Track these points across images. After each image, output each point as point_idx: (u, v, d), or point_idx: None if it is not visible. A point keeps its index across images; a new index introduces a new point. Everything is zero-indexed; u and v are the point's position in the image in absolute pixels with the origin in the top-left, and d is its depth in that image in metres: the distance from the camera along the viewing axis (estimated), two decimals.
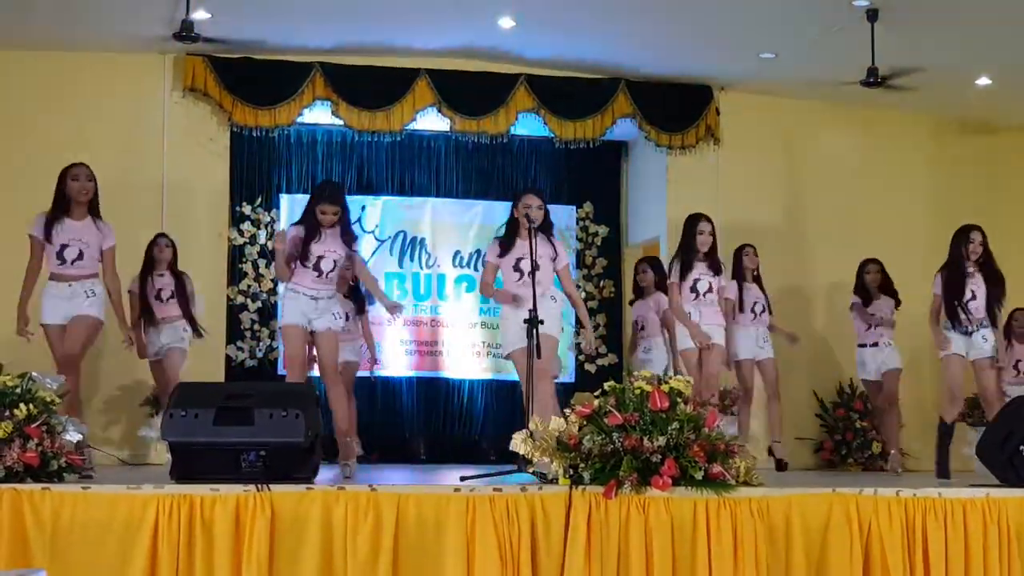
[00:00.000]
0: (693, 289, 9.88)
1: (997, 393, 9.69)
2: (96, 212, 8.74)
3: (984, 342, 9.56)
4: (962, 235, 9.76)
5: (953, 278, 9.59)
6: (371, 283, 9.47)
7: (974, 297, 9.59)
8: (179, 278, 10.63)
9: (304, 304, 8.47)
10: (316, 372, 9.37)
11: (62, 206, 8.61)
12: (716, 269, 10.00)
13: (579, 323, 8.98)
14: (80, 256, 8.62)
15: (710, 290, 9.94)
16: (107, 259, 8.78)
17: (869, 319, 11.19)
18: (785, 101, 13.32)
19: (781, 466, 10.84)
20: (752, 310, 10.99)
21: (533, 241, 8.23)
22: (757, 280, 11.13)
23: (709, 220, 10.06)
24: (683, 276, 9.89)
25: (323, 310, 8.50)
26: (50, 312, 8.64)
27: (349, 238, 8.61)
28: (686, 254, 9.93)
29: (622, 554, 6.29)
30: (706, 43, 11.98)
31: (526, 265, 8.31)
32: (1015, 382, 11.78)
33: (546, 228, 8.51)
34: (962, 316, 9.54)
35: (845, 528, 6.60)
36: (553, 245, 8.56)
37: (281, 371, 12.43)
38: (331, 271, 8.52)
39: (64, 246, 8.59)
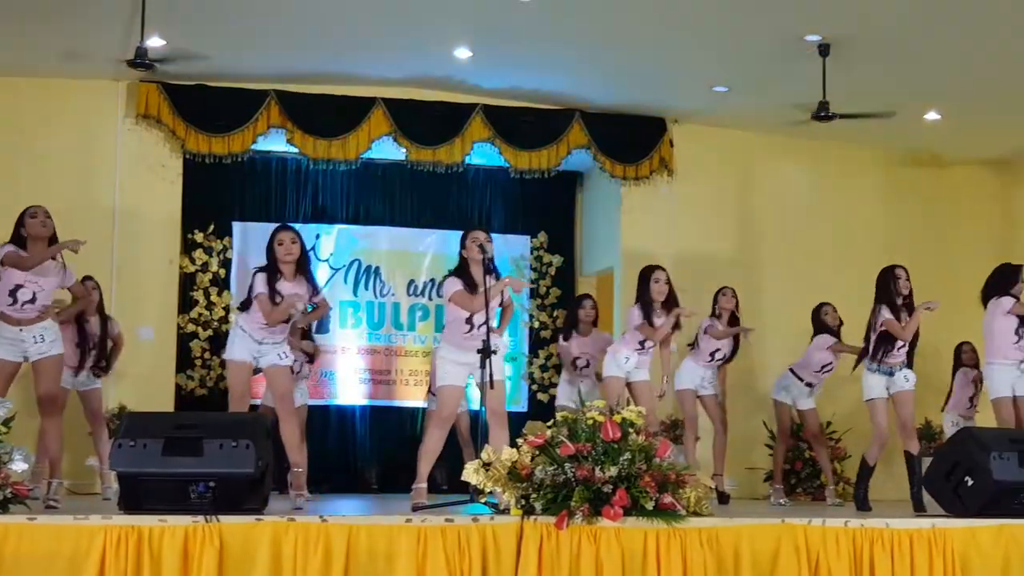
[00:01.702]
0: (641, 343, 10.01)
1: (910, 421, 9.78)
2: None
3: (905, 381, 9.64)
4: (889, 274, 9.81)
5: (896, 314, 9.66)
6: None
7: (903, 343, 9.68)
8: (105, 324, 10.45)
9: (250, 344, 8.46)
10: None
11: (22, 246, 8.44)
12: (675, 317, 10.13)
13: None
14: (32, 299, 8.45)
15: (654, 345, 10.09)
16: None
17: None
18: (738, 133, 13.42)
19: (723, 499, 10.87)
20: (712, 355, 10.98)
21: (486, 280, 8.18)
22: (733, 322, 11.07)
23: (663, 269, 10.15)
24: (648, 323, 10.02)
25: (267, 351, 8.48)
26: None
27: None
28: (645, 304, 10.03)
29: None
30: (660, 76, 12.06)
31: (478, 319, 8.25)
32: (965, 413, 11.88)
33: (489, 268, 8.44)
34: (890, 357, 9.63)
35: (794, 558, 6.64)
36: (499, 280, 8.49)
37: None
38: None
39: (19, 287, 8.41)
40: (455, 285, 8.26)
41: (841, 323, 11.15)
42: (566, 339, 11.39)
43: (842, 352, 10.97)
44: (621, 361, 10.08)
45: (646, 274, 10.20)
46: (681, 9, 10.32)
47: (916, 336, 9.74)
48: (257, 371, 8.69)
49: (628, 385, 10.09)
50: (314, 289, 8.61)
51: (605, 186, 13.47)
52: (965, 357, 12.02)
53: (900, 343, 9.59)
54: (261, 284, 8.35)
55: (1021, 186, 14.44)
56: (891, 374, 9.64)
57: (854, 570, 6.75)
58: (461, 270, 8.34)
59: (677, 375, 11.08)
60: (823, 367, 11.02)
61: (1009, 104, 12.31)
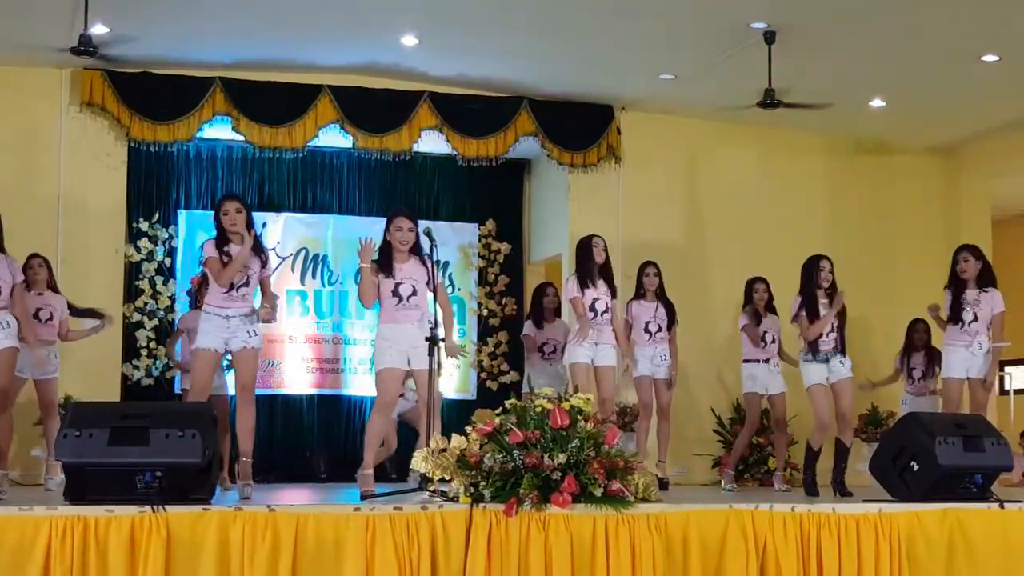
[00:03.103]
0: (592, 308, 9.90)
1: (850, 412, 9.89)
2: (2, 247, 8.57)
3: (841, 366, 9.75)
4: (813, 264, 9.91)
5: (813, 308, 9.76)
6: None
7: (832, 328, 9.77)
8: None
9: (220, 325, 8.35)
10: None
11: None
12: (613, 290, 10.04)
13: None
14: None
15: (607, 310, 9.96)
16: (17, 292, 8.65)
17: (758, 337, 11.21)
18: (685, 121, 13.47)
19: (663, 485, 10.91)
20: (647, 329, 11.00)
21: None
22: (660, 298, 11.13)
23: (601, 237, 10.13)
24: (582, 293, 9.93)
25: (236, 330, 8.37)
26: None
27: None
28: (583, 272, 9.95)
29: (522, 571, 6.31)
30: (606, 63, 12.07)
31: (405, 290, 8.29)
32: (914, 391, 11.95)
33: (417, 250, 8.45)
34: (821, 344, 9.72)
35: (741, 543, 6.68)
36: (427, 266, 8.49)
37: (178, 390, 12.32)
38: (243, 285, 8.41)
39: None
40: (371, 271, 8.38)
41: (771, 297, 11.19)
42: (536, 325, 11.78)
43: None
44: (585, 345, 9.93)
45: (585, 241, 10.12)
46: None
47: (844, 320, 9.83)
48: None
49: (595, 370, 9.96)
50: (263, 260, 8.52)
51: (553, 173, 13.49)
52: (916, 337, 12.08)
53: (828, 329, 9.69)
54: (210, 249, 8.31)
55: (965, 173, 14.60)
56: (827, 361, 9.73)
57: (801, 554, 6.81)
58: (383, 255, 8.37)
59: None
60: (763, 339, 11.09)
61: (953, 92, 12.43)
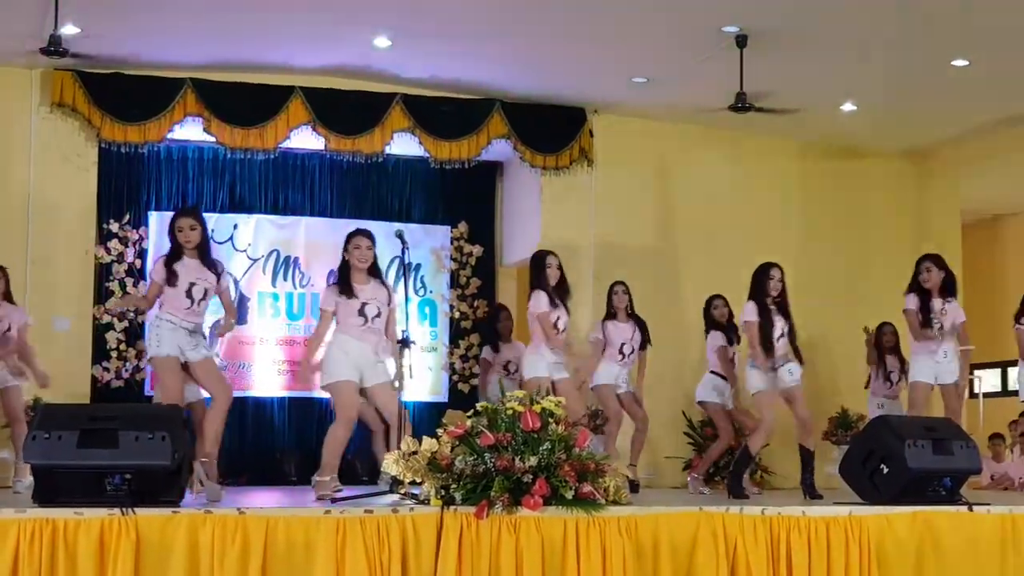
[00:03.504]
0: (554, 326, 9.82)
1: (808, 417, 9.87)
2: None
3: (790, 375, 9.71)
4: (763, 273, 9.89)
5: (763, 315, 9.72)
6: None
7: (782, 334, 9.75)
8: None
9: (179, 335, 8.32)
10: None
11: None
12: (565, 304, 9.94)
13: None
14: None
15: (565, 329, 9.89)
16: None
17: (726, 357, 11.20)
18: (657, 124, 13.50)
19: (634, 487, 10.91)
20: (621, 351, 10.98)
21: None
22: (632, 317, 11.10)
23: (555, 254, 10.05)
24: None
25: (197, 342, 8.37)
26: None
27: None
28: (546, 287, 9.86)
29: (493, 574, 6.29)
30: (579, 66, 12.09)
31: (370, 311, 8.26)
32: (889, 394, 12.01)
33: (375, 272, 8.43)
34: (769, 353, 9.69)
35: (712, 546, 6.68)
36: (386, 287, 8.48)
37: (148, 392, 12.28)
38: (202, 299, 8.40)
39: None
40: (327, 300, 8.40)
41: (732, 315, 11.19)
42: (494, 350, 12.04)
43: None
44: (545, 359, 9.82)
45: (539, 257, 10.00)
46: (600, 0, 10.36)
47: (792, 328, 9.78)
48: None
49: (552, 384, 9.87)
50: (216, 274, 8.46)
51: (525, 176, 13.49)
52: (886, 339, 12.15)
53: (777, 336, 9.65)
54: (156, 273, 8.32)
55: (935, 177, 14.68)
56: (774, 369, 9.68)
57: (771, 557, 6.81)
58: (342, 276, 8.36)
59: (594, 374, 11.06)
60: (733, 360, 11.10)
61: (923, 96, 12.51)
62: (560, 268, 9.91)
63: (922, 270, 9.92)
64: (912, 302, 9.91)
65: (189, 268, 8.25)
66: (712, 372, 11.10)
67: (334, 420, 8.31)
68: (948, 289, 9.92)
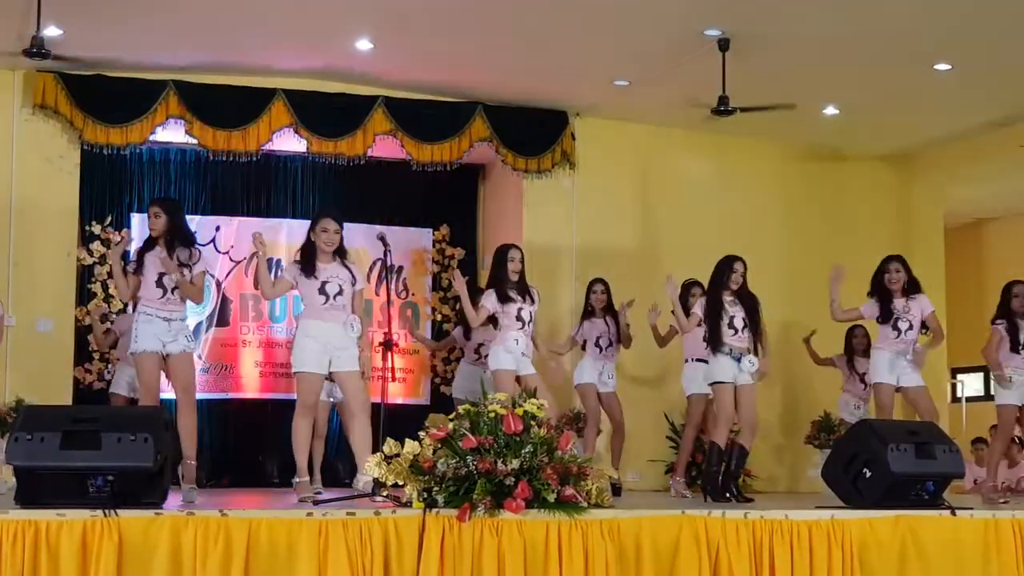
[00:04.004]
0: (519, 318, 9.78)
1: (755, 418, 9.88)
2: None
3: (744, 371, 9.72)
4: (726, 265, 9.92)
5: (712, 305, 9.77)
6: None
7: (745, 324, 9.74)
8: None
9: (158, 327, 8.36)
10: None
11: None
12: (529, 297, 9.89)
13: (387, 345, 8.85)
14: None
15: (532, 320, 9.84)
16: None
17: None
18: (639, 127, 13.52)
19: (616, 490, 10.90)
20: (597, 344, 11.05)
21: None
22: (608, 312, 11.16)
23: (519, 248, 10.02)
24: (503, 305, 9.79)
25: (176, 333, 8.41)
26: None
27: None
28: (500, 283, 9.82)
29: None
30: (561, 69, 12.10)
31: (331, 288, 8.28)
32: (864, 396, 12.06)
33: (342, 253, 8.44)
34: (725, 341, 9.70)
35: (694, 549, 6.69)
36: (349, 269, 8.49)
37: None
38: (174, 288, 8.43)
39: None
40: (290, 266, 8.54)
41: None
42: (465, 337, 11.89)
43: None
44: (511, 352, 9.74)
45: (501, 252, 9.93)
46: (582, 2, 10.36)
47: (759, 325, 9.80)
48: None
49: (518, 379, 9.84)
50: (190, 267, 8.53)
51: (507, 179, 13.50)
52: (856, 342, 12.24)
53: (734, 329, 9.66)
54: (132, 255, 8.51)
55: (917, 181, 14.72)
56: (739, 359, 9.70)
57: (753, 560, 6.82)
58: (305, 256, 8.39)
59: (576, 371, 11.14)
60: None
61: (906, 100, 12.55)
62: (522, 262, 9.82)
63: (891, 270, 9.97)
64: (870, 310, 9.98)
65: (157, 258, 8.31)
66: (693, 359, 11.09)
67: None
68: (911, 288, 9.96)
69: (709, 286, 9.94)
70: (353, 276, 8.38)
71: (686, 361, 11.12)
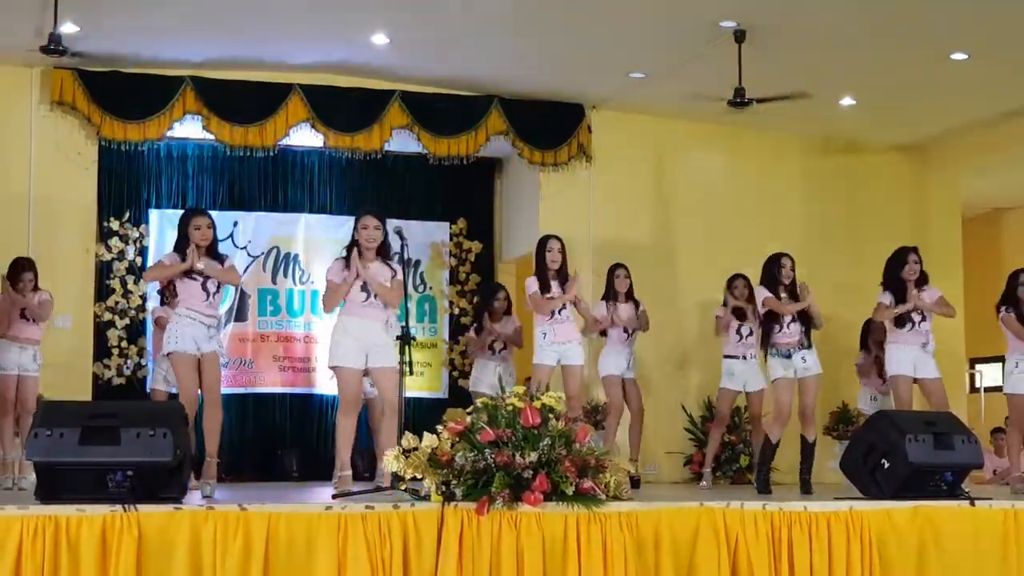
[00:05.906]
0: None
1: (814, 409, 9.90)
2: None
3: (804, 362, 9.71)
4: (775, 262, 9.92)
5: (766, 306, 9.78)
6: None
7: (794, 319, 9.75)
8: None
9: (197, 330, 8.42)
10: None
11: None
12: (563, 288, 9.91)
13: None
14: None
15: (564, 307, 9.85)
16: None
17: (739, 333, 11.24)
18: (656, 120, 13.50)
19: (635, 483, 10.92)
20: (624, 330, 11.09)
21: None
22: (630, 299, 11.19)
23: (558, 238, 10.04)
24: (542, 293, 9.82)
25: (212, 334, 8.51)
26: None
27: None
28: (541, 272, 9.86)
29: (493, 570, 6.31)
30: (577, 62, 12.09)
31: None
32: (883, 389, 12.02)
33: (384, 251, 8.48)
34: (781, 337, 9.70)
35: (713, 541, 6.69)
36: (390, 266, 8.52)
37: (148, 388, 12.28)
38: (216, 292, 8.51)
39: None
40: (335, 266, 8.49)
41: (752, 293, 11.20)
42: (476, 333, 11.73)
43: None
44: (553, 346, 9.75)
45: (541, 243, 9.99)
46: None
47: (808, 316, 9.80)
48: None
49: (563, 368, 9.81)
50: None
51: (524, 172, 13.50)
52: (876, 335, 12.18)
53: (788, 321, 9.67)
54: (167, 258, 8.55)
55: (934, 171, 14.67)
56: (789, 356, 9.70)
57: (772, 552, 6.82)
58: (349, 251, 8.43)
59: (600, 362, 11.13)
60: (739, 333, 11.10)
61: (923, 90, 12.50)
62: (561, 252, 9.87)
63: (909, 260, 9.92)
64: (887, 298, 9.95)
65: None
66: (725, 357, 11.12)
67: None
68: (922, 280, 9.94)
69: (764, 282, 9.89)
70: (393, 270, 8.43)
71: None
